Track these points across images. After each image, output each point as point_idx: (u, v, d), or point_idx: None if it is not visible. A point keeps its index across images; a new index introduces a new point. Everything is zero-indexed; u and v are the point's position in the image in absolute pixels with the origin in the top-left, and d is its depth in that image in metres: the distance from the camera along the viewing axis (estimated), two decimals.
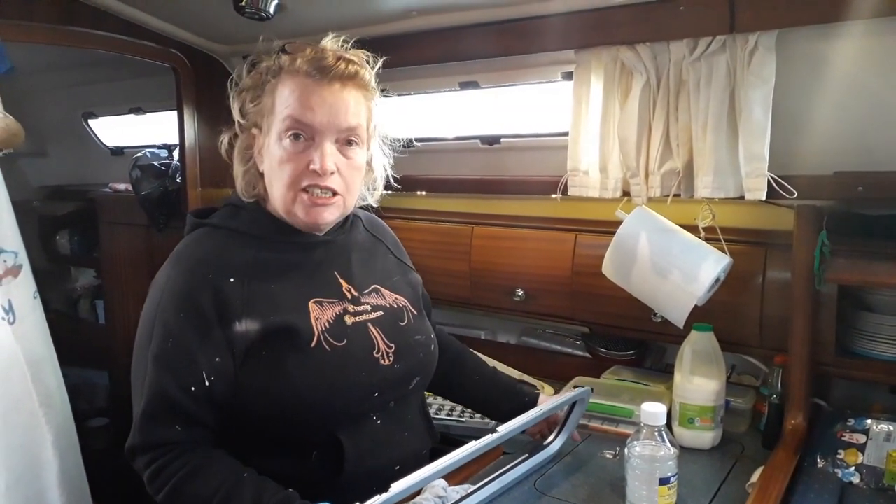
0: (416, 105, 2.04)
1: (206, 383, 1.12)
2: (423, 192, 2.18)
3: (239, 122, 1.27)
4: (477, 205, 2.12)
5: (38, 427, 1.58)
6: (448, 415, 1.73)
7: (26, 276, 1.62)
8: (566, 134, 1.66)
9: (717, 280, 1.48)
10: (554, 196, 1.70)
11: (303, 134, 1.18)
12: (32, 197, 3.38)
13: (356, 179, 1.27)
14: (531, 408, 1.33)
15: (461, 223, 2.10)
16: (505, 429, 1.14)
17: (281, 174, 1.20)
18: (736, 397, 1.62)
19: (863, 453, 1.29)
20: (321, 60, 1.18)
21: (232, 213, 1.28)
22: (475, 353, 1.69)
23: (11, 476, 1.50)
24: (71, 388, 1.74)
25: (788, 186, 1.38)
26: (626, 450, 1.18)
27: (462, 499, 1.16)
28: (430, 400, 1.67)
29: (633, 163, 1.54)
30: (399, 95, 2.02)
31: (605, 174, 1.62)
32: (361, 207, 1.42)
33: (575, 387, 1.65)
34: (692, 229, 1.54)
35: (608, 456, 1.45)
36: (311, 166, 1.18)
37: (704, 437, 1.48)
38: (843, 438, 1.34)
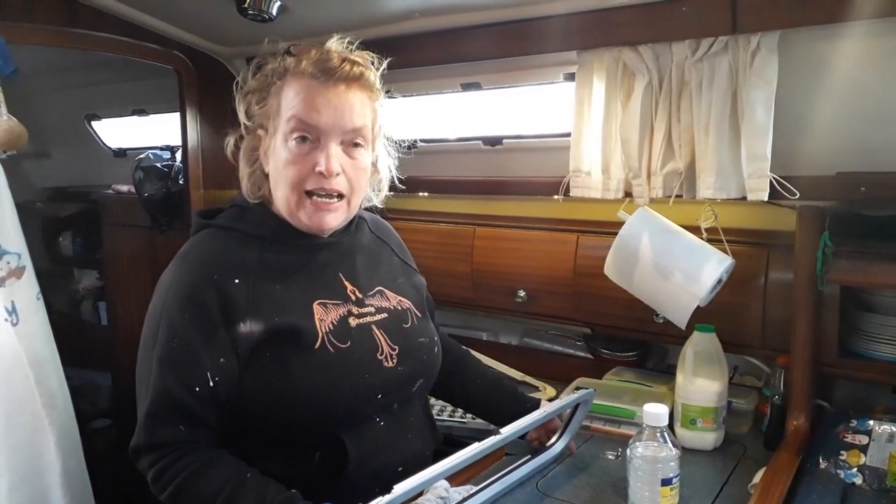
0: (419, 106, 2.04)
1: (211, 384, 1.12)
2: (426, 194, 2.18)
3: (245, 123, 1.27)
4: (479, 206, 2.12)
5: (40, 428, 1.59)
6: (450, 416, 1.73)
7: (29, 277, 1.63)
8: (568, 135, 1.66)
9: (719, 281, 1.48)
10: (556, 197, 1.70)
11: (308, 135, 1.19)
12: (35, 198, 3.38)
13: (361, 181, 1.27)
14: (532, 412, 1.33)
15: (463, 224, 2.10)
16: (508, 430, 1.14)
17: (286, 175, 1.20)
18: (738, 398, 1.62)
19: (865, 454, 1.29)
20: (326, 62, 1.18)
21: (238, 214, 1.28)
22: (476, 356, 1.69)
23: (14, 476, 1.51)
24: (74, 389, 1.75)
25: (791, 187, 1.38)
26: (628, 451, 1.18)
27: (464, 500, 1.16)
28: (432, 401, 1.67)
29: (636, 164, 1.54)
30: (401, 97, 2.02)
31: (608, 175, 1.62)
32: (366, 209, 1.42)
33: (577, 388, 1.65)
34: (694, 230, 1.54)
35: (610, 457, 1.45)
36: (317, 168, 1.18)
37: (706, 437, 1.47)
38: (845, 439, 1.34)
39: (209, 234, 1.25)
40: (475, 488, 1.21)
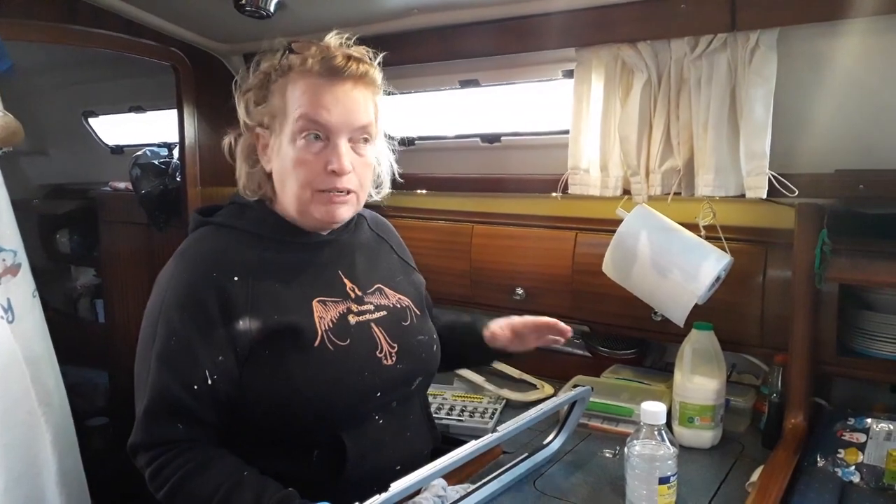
0: (417, 103, 2.03)
1: (209, 382, 1.12)
2: (424, 191, 2.18)
3: (245, 121, 1.26)
4: (477, 203, 2.11)
5: (36, 426, 1.58)
6: (448, 414, 1.73)
7: (25, 274, 1.62)
8: (567, 132, 1.65)
9: (717, 279, 1.47)
10: (554, 194, 1.70)
11: (318, 134, 1.18)
12: (32, 195, 3.38)
13: (368, 176, 1.28)
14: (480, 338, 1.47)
15: (461, 222, 2.10)
16: (504, 428, 1.14)
17: (296, 175, 1.19)
18: (736, 396, 1.61)
19: (863, 452, 1.29)
20: (331, 60, 1.17)
21: (237, 211, 1.28)
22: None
23: (10, 475, 1.50)
24: (70, 387, 1.74)
25: (789, 185, 1.37)
26: (625, 449, 1.18)
27: (461, 498, 1.16)
28: (431, 399, 1.66)
29: (634, 161, 1.54)
30: (399, 94, 2.01)
31: (606, 172, 1.61)
32: (366, 206, 1.42)
33: (575, 386, 1.65)
34: (693, 228, 1.54)
35: (608, 455, 1.45)
36: (330, 167, 1.17)
37: (704, 436, 1.47)
38: (843, 437, 1.34)
39: (208, 232, 1.25)
40: (472, 486, 1.21)
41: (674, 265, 1.49)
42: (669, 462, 1.14)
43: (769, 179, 1.39)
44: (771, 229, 1.61)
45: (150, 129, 2.85)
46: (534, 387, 1.90)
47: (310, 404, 1.15)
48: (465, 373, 1.91)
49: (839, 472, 1.27)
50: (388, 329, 1.28)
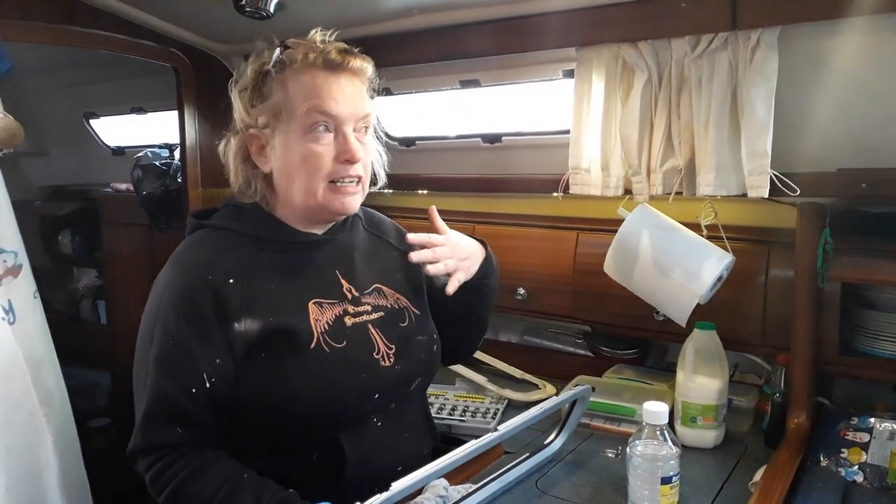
0: (417, 103, 2.03)
1: (207, 385, 1.12)
2: (425, 191, 2.18)
3: (243, 121, 1.24)
4: (478, 203, 2.11)
5: (38, 427, 1.58)
6: (450, 414, 1.73)
7: (26, 276, 1.62)
8: (567, 132, 1.65)
9: (719, 278, 1.47)
10: (555, 194, 1.69)
11: (327, 125, 1.19)
12: (34, 197, 3.38)
13: (370, 166, 1.28)
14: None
15: (462, 222, 2.09)
16: (505, 427, 1.14)
17: (307, 169, 1.19)
18: (739, 396, 1.61)
19: (866, 452, 1.28)
20: (328, 54, 1.19)
21: (232, 213, 1.27)
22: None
23: (11, 476, 1.50)
24: (72, 388, 1.75)
25: (791, 184, 1.37)
26: (628, 449, 1.18)
27: (463, 498, 1.16)
28: (430, 400, 1.66)
29: (635, 161, 1.54)
30: (400, 94, 2.01)
31: (607, 172, 1.61)
32: (373, 207, 1.42)
33: (576, 385, 1.65)
34: (694, 227, 1.54)
35: (610, 455, 1.44)
36: (344, 157, 1.19)
37: (707, 436, 1.47)
38: (846, 437, 1.33)
39: (203, 235, 1.25)
40: (474, 486, 1.20)
41: (676, 265, 1.49)
42: (672, 462, 1.14)
43: (771, 178, 1.38)
44: (773, 229, 1.61)
45: (152, 130, 2.85)
46: (536, 387, 1.90)
47: (307, 406, 1.15)
48: (467, 373, 1.91)
49: (842, 471, 1.26)
50: (385, 330, 1.27)
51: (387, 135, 2.16)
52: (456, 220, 2.10)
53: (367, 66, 1.24)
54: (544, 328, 2.13)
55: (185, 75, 2.13)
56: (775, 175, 1.38)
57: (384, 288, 1.34)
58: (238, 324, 1.14)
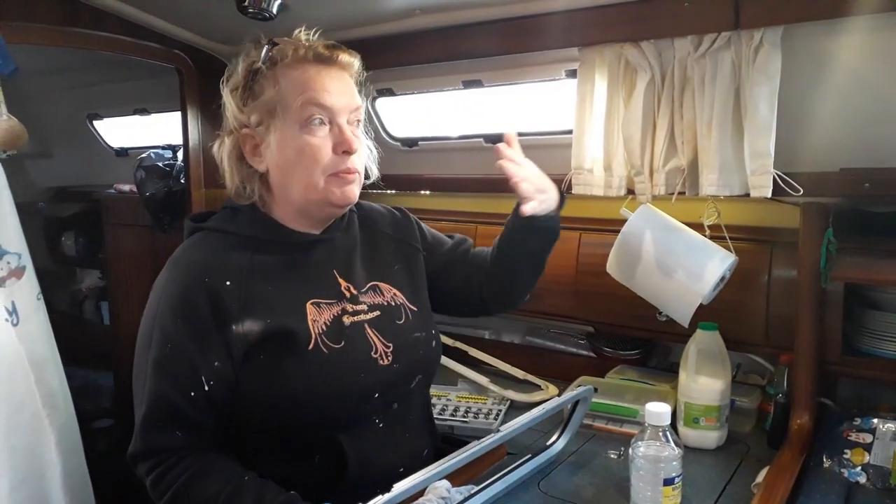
0: (420, 104, 2.03)
1: (206, 388, 1.12)
2: (427, 192, 2.18)
3: (235, 121, 1.23)
4: (481, 204, 2.11)
5: (41, 428, 1.59)
6: (452, 415, 1.72)
7: (30, 277, 1.63)
8: (570, 132, 1.65)
9: (722, 278, 1.47)
10: None
11: (323, 117, 1.19)
12: (37, 198, 3.39)
13: (364, 159, 1.28)
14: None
15: (465, 222, 2.10)
16: (507, 428, 1.14)
17: (306, 164, 1.18)
18: (741, 397, 1.61)
19: (869, 453, 1.28)
20: (317, 48, 1.21)
21: (229, 216, 1.27)
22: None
23: (15, 477, 1.51)
24: (76, 389, 1.75)
25: (794, 183, 1.37)
26: (630, 450, 1.17)
27: (465, 499, 1.16)
28: (433, 401, 1.66)
29: (638, 160, 1.53)
30: (402, 94, 2.01)
31: (610, 172, 1.61)
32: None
33: (578, 386, 1.65)
34: (697, 227, 1.53)
35: (612, 456, 1.44)
36: (341, 147, 1.18)
37: (709, 436, 1.47)
38: (849, 438, 1.33)
39: (200, 238, 1.24)
40: (476, 488, 1.20)
41: (678, 265, 1.49)
42: (674, 463, 1.13)
43: (774, 178, 1.38)
44: (776, 228, 1.61)
45: (155, 131, 2.86)
46: (538, 387, 1.90)
47: (306, 408, 1.15)
48: (470, 374, 1.91)
49: (845, 472, 1.26)
50: (382, 329, 1.27)
51: (389, 135, 2.18)
52: (458, 220, 2.11)
53: (354, 61, 1.26)
54: (547, 329, 2.12)
55: (188, 76, 2.13)
56: (778, 175, 1.38)
57: (381, 284, 1.33)
58: (236, 326, 1.13)
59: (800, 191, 1.37)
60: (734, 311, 1.59)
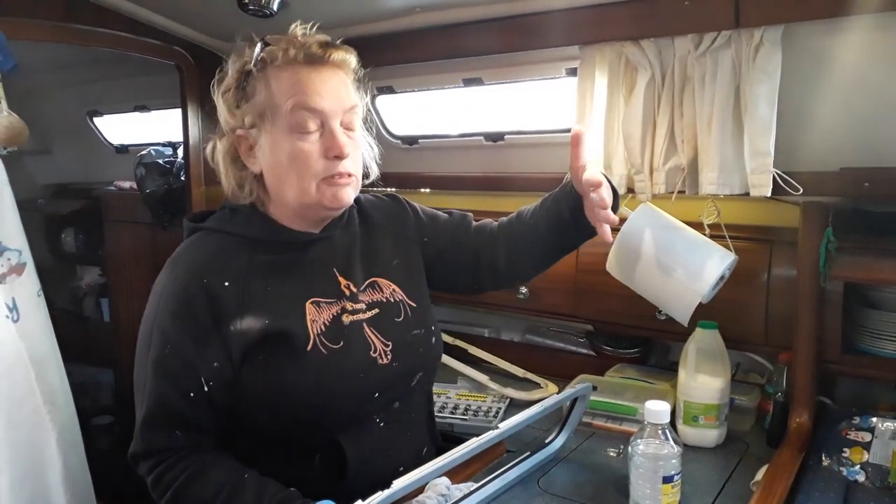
0: (420, 102, 2.03)
1: (206, 388, 1.12)
2: (427, 190, 2.18)
3: (228, 123, 1.22)
4: (481, 202, 2.11)
5: (41, 425, 1.59)
6: (452, 413, 1.73)
7: (30, 274, 1.63)
8: (570, 130, 1.64)
9: (722, 277, 1.47)
10: None
11: (313, 121, 1.16)
12: (38, 195, 3.39)
13: (360, 159, 1.26)
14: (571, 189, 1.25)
15: None
16: (506, 425, 1.14)
17: (297, 168, 1.16)
18: (740, 395, 1.61)
19: (868, 451, 1.28)
20: (309, 48, 1.17)
21: (228, 216, 1.26)
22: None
23: (15, 473, 1.51)
24: (76, 385, 1.75)
25: (794, 183, 1.37)
26: (629, 448, 1.17)
27: (464, 497, 1.16)
28: (434, 398, 1.66)
29: (638, 159, 1.54)
30: (402, 92, 2.01)
31: (610, 171, 1.61)
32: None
33: (577, 384, 1.65)
34: (697, 226, 1.53)
35: (612, 454, 1.44)
36: (332, 153, 1.16)
37: (709, 435, 1.47)
38: (848, 437, 1.33)
39: (199, 238, 1.24)
40: (475, 485, 1.20)
41: (678, 264, 1.49)
42: (673, 461, 1.13)
43: (774, 177, 1.38)
44: (775, 227, 1.61)
45: (155, 128, 2.86)
46: (538, 386, 1.90)
47: (305, 409, 1.15)
48: (469, 372, 1.91)
49: (844, 471, 1.26)
50: (380, 328, 1.26)
51: (389, 133, 2.18)
52: None
53: (349, 58, 1.22)
54: (546, 327, 2.12)
55: (188, 73, 2.13)
56: (778, 174, 1.38)
57: (380, 280, 1.32)
58: (234, 326, 1.13)
59: (799, 190, 1.37)
60: (734, 310, 1.59)
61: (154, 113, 2.82)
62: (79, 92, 2.96)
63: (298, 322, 1.17)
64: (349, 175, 1.20)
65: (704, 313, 1.49)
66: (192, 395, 1.11)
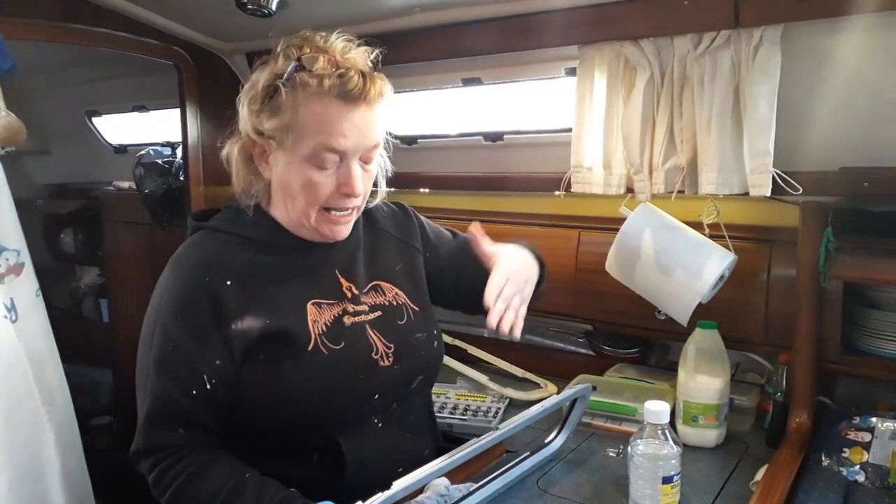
0: (419, 102, 2.03)
1: (208, 386, 1.12)
2: (426, 190, 2.18)
3: (250, 129, 1.19)
4: (480, 202, 2.11)
5: (40, 425, 1.59)
6: (451, 413, 1.73)
7: (28, 274, 1.63)
8: (569, 130, 1.65)
9: (721, 277, 1.47)
10: (557, 193, 1.69)
11: (332, 159, 1.15)
12: (36, 195, 3.39)
13: (370, 186, 1.25)
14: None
15: (464, 220, 2.08)
16: (505, 426, 1.14)
17: (305, 195, 1.17)
18: (740, 395, 1.61)
19: (868, 451, 1.28)
20: (347, 82, 1.11)
21: (232, 215, 1.26)
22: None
23: (14, 474, 1.50)
24: (74, 386, 1.75)
25: (793, 182, 1.37)
26: (629, 448, 1.17)
27: (464, 497, 1.16)
28: (433, 399, 1.66)
29: (637, 159, 1.53)
30: (401, 92, 2.01)
31: (609, 171, 1.61)
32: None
33: (577, 384, 1.65)
34: (696, 226, 1.53)
35: (611, 454, 1.44)
36: (343, 189, 1.16)
37: (708, 435, 1.47)
38: (847, 437, 1.33)
39: (202, 237, 1.24)
40: (475, 485, 1.20)
41: (677, 264, 1.49)
42: (673, 461, 1.13)
43: (773, 177, 1.38)
44: (775, 227, 1.61)
45: (154, 128, 2.85)
46: (537, 386, 1.90)
47: (305, 409, 1.15)
48: (469, 372, 1.91)
49: (844, 471, 1.26)
50: (383, 330, 1.27)
51: (389, 133, 2.17)
52: (457, 218, 2.10)
53: (385, 90, 1.17)
54: (546, 327, 2.12)
55: (187, 73, 2.13)
56: (777, 174, 1.38)
57: (383, 284, 1.33)
58: (235, 325, 1.13)
59: (799, 190, 1.37)
60: (733, 310, 1.59)
61: (153, 113, 2.82)
62: (77, 92, 2.96)
63: (300, 322, 1.17)
64: (354, 209, 1.22)
65: (704, 313, 1.49)
66: (194, 392, 1.12)
